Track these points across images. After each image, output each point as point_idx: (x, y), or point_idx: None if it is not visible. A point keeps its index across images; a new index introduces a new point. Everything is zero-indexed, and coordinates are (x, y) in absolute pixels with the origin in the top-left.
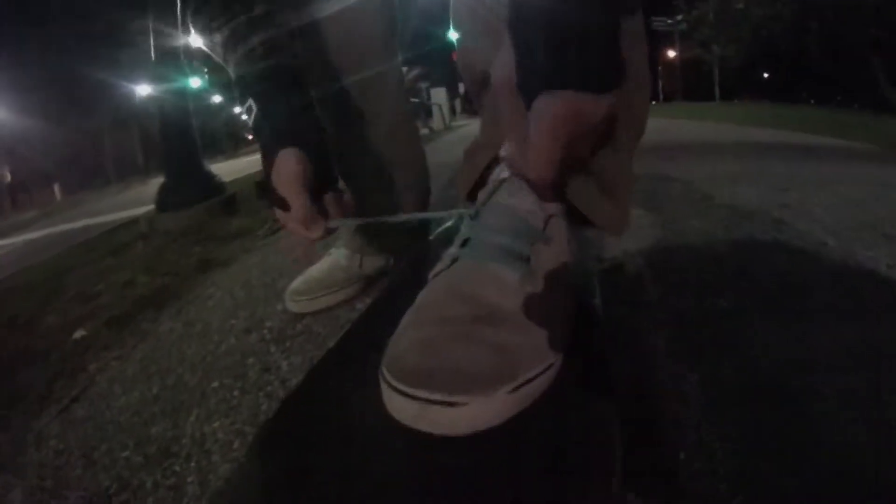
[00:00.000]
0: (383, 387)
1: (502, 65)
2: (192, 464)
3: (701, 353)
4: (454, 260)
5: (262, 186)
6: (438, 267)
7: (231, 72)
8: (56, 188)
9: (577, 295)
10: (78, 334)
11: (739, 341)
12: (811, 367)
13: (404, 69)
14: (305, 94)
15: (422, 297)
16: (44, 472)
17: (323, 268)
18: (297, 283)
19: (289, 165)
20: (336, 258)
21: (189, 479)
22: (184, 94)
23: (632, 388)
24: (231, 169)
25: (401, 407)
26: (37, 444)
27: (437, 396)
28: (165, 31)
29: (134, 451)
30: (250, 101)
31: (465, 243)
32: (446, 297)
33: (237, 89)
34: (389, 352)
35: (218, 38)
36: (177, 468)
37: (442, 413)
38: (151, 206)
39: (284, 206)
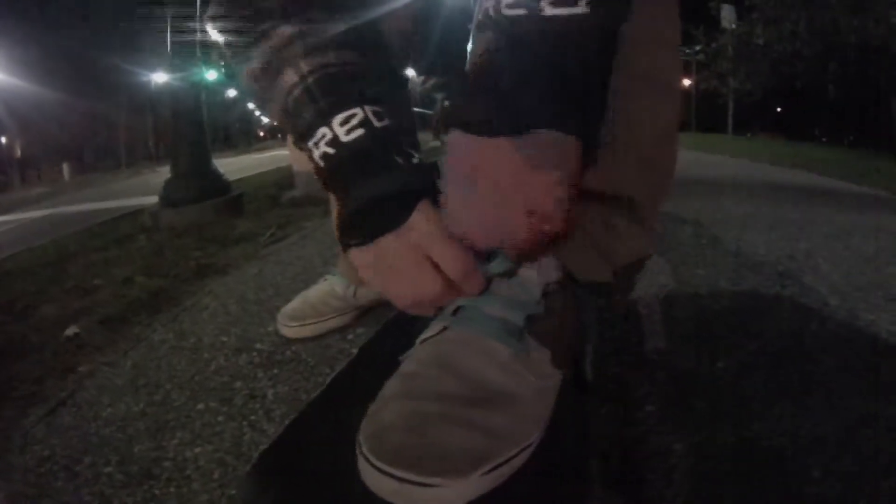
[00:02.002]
0: (360, 460)
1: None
2: (172, 489)
3: (693, 420)
4: (445, 327)
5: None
6: (427, 333)
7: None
8: (65, 167)
9: (571, 360)
10: (71, 331)
11: (732, 407)
12: (801, 437)
13: (420, 78)
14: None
15: (407, 365)
16: (27, 477)
17: (318, 293)
18: (290, 306)
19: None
20: (331, 284)
21: None
22: (197, 89)
23: (618, 456)
24: (241, 165)
25: (378, 483)
26: (21, 447)
27: (414, 478)
28: (184, 23)
29: (117, 467)
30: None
31: (456, 310)
32: (432, 370)
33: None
34: (369, 423)
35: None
36: (157, 492)
37: (417, 491)
38: (157, 198)
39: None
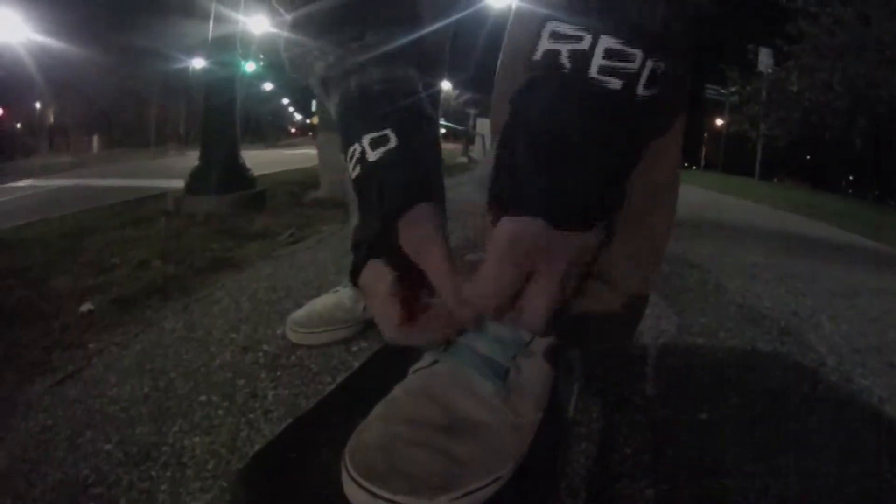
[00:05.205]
0: (344, 473)
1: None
2: (168, 473)
3: (666, 468)
4: (435, 360)
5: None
6: (419, 364)
7: (333, 110)
8: (95, 139)
9: (554, 399)
10: (84, 307)
11: (707, 459)
12: (769, 497)
13: (455, 92)
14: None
15: (397, 390)
16: (29, 443)
17: (327, 303)
18: (299, 312)
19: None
20: (341, 297)
21: (162, 487)
22: (233, 82)
23: (587, 497)
24: (269, 159)
25: (354, 494)
26: (25, 414)
27: (387, 494)
28: (228, 15)
29: (117, 446)
30: (359, 147)
31: (447, 346)
32: (419, 398)
33: (342, 131)
34: (355, 440)
35: (320, 66)
36: (153, 473)
37: None
38: (182, 182)
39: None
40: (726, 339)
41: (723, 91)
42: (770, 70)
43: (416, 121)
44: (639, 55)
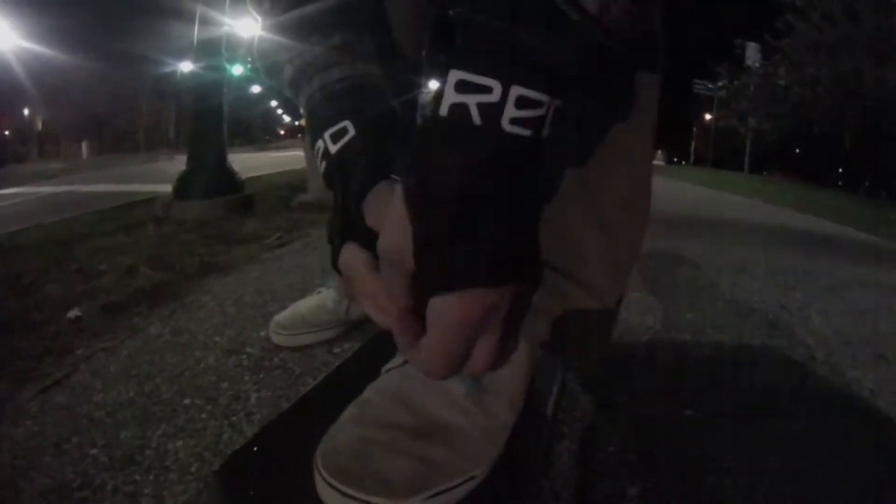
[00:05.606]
0: (316, 475)
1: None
2: (151, 477)
3: (650, 466)
4: (406, 360)
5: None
6: (391, 364)
7: (302, 108)
8: (84, 145)
9: (527, 400)
10: (73, 314)
11: (692, 457)
12: (756, 497)
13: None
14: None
15: (369, 392)
16: (16, 450)
17: (310, 305)
18: (283, 315)
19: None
20: (324, 298)
21: (146, 491)
22: (220, 85)
23: (570, 496)
24: (259, 162)
25: (327, 495)
26: (14, 420)
27: (360, 496)
28: (212, 19)
29: (102, 450)
30: (322, 143)
31: None
32: (390, 401)
33: (308, 131)
34: (327, 443)
35: (290, 70)
36: (137, 477)
37: None
38: (170, 187)
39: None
40: (713, 335)
41: (710, 85)
42: (757, 65)
43: (374, 110)
44: (546, 99)
